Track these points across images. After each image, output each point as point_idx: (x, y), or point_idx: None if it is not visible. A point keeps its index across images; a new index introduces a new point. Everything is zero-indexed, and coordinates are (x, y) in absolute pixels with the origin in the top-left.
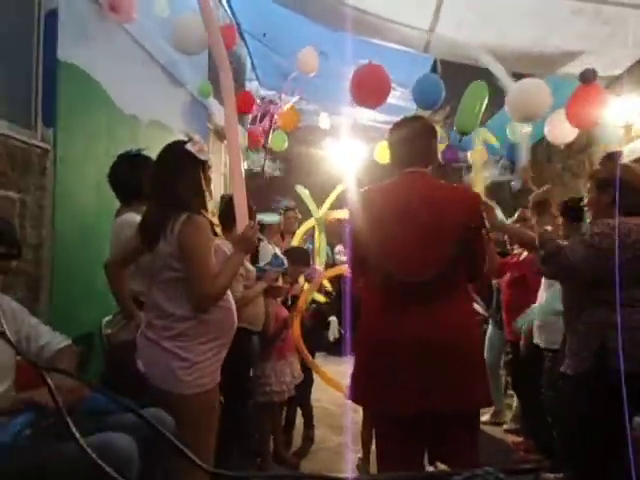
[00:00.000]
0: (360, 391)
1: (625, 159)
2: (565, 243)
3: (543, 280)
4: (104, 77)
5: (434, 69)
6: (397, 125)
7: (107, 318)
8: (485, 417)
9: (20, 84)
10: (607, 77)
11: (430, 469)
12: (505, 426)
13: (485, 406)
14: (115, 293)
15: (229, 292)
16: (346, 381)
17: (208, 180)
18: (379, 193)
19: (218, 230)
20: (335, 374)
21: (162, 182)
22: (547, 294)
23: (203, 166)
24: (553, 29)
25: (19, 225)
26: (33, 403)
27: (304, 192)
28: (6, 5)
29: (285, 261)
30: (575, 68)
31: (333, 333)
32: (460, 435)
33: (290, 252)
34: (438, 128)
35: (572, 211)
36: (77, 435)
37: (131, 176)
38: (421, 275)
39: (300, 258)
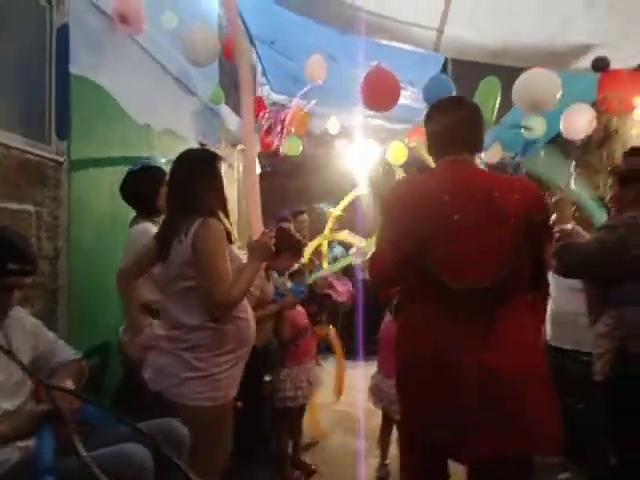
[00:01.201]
0: (405, 415)
1: None
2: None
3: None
4: (116, 88)
5: (445, 68)
6: (437, 107)
7: (123, 326)
8: None
9: (34, 99)
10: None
11: None
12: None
13: (555, 452)
14: (124, 303)
15: (247, 303)
16: (358, 384)
17: (223, 187)
18: (420, 185)
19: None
20: (349, 377)
21: (178, 188)
22: (555, 294)
23: (218, 172)
24: (567, 23)
25: (35, 237)
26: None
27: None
28: (18, 21)
29: (305, 289)
30: (589, 63)
31: None
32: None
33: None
34: None
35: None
36: (83, 454)
37: (144, 188)
38: (478, 282)
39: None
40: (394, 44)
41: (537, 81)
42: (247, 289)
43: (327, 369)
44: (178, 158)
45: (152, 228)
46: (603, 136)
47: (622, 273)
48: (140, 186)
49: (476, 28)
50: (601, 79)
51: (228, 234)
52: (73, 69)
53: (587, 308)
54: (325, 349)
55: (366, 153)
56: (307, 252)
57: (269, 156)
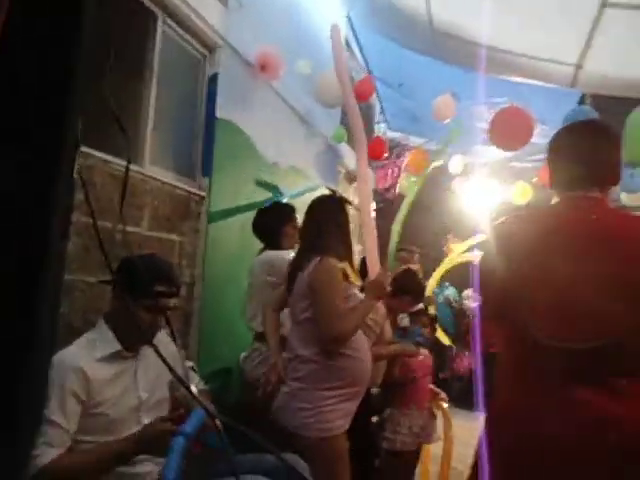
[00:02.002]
0: None
1: None
2: None
3: None
4: (252, 130)
5: (581, 103)
6: (564, 132)
7: (244, 354)
8: None
9: (184, 140)
10: None
11: None
12: None
13: None
14: (267, 335)
15: (363, 342)
16: (473, 439)
17: (349, 230)
18: (529, 224)
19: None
20: (463, 430)
21: (309, 229)
22: None
23: (347, 215)
24: None
25: (177, 265)
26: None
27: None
28: (176, 71)
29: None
30: None
31: None
32: None
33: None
34: None
35: None
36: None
37: (272, 223)
38: (583, 341)
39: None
40: (524, 80)
41: None
42: (358, 324)
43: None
44: (313, 202)
45: (274, 256)
46: None
47: None
48: (268, 221)
49: (620, 61)
50: None
51: (345, 274)
52: (219, 113)
53: None
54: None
55: (487, 193)
56: (434, 284)
57: (382, 193)
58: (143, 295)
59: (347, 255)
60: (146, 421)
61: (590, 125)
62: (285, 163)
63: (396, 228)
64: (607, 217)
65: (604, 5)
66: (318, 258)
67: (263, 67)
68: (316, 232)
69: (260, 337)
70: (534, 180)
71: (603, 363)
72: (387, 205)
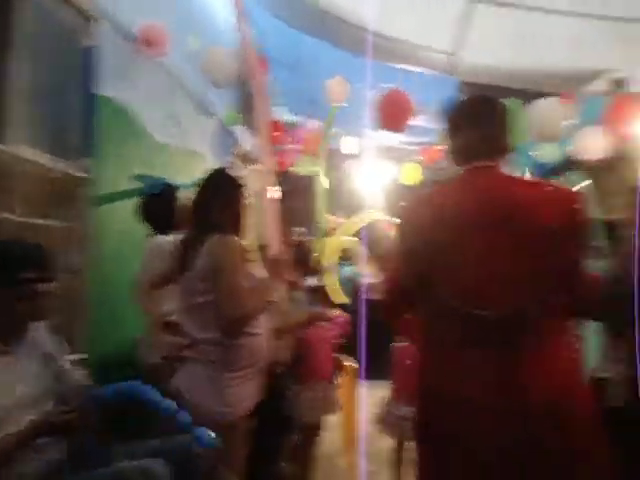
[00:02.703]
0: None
1: None
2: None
3: None
4: (139, 108)
5: (459, 90)
6: (458, 108)
7: (139, 336)
8: None
9: (60, 119)
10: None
11: None
12: None
13: None
14: (148, 312)
15: (261, 318)
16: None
17: (244, 207)
18: (438, 197)
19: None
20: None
21: (201, 206)
22: None
23: (241, 192)
24: (580, 48)
25: (62, 252)
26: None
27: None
28: (47, 44)
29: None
30: (603, 86)
31: None
32: None
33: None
34: None
35: None
36: None
37: (161, 210)
38: (503, 307)
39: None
40: (407, 67)
41: (547, 114)
42: (262, 305)
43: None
44: (204, 179)
45: (166, 241)
46: (616, 158)
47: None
48: (156, 208)
49: (491, 52)
50: (610, 104)
51: (244, 253)
52: (100, 90)
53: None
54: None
55: (379, 173)
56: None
57: (280, 175)
58: (9, 283)
59: (242, 234)
60: (28, 417)
61: (481, 100)
62: (177, 144)
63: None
64: (507, 183)
65: (472, 0)
66: (217, 236)
67: (147, 42)
68: (211, 209)
69: None
70: (420, 160)
71: (514, 330)
72: (289, 187)
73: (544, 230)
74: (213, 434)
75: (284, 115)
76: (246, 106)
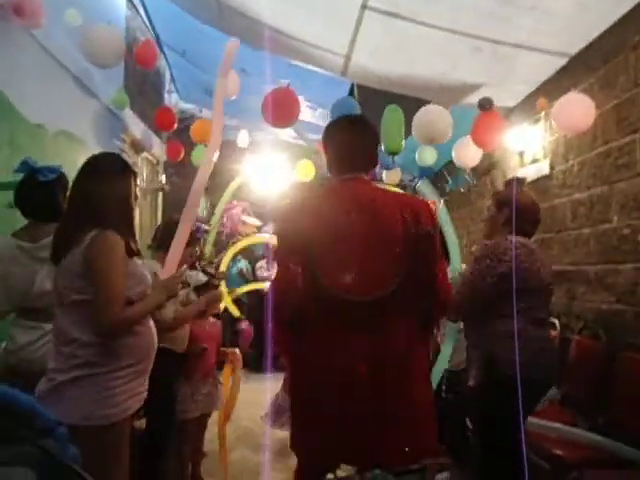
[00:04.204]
0: (300, 444)
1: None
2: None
3: None
4: (6, 84)
5: (352, 92)
6: (337, 125)
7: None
8: None
9: None
10: (504, 108)
11: None
12: None
13: (431, 456)
14: None
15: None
16: (263, 399)
17: (134, 196)
18: (316, 201)
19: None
20: (255, 393)
21: (80, 195)
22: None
23: (127, 181)
24: (457, 63)
25: None
26: None
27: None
28: None
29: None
30: (477, 99)
31: None
32: None
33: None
34: None
35: None
36: None
37: (39, 195)
38: (368, 294)
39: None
40: (304, 65)
41: (433, 118)
42: (141, 318)
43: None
44: (86, 163)
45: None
46: (487, 165)
47: (488, 293)
48: (33, 192)
49: (379, 59)
50: (478, 117)
51: (128, 247)
52: None
53: (464, 323)
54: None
55: (276, 168)
56: (227, 261)
57: (176, 165)
58: None
59: (128, 231)
60: None
61: (355, 120)
62: (53, 126)
63: (221, 208)
64: (371, 192)
65: (364, 7)
66: (95, 232)
67: (17, 10)
68: (89, 200)
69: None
70: (314, 157)
71: (378, 313)
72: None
73: (399, 234)
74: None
75: (178, 103)
76: (135, 89)
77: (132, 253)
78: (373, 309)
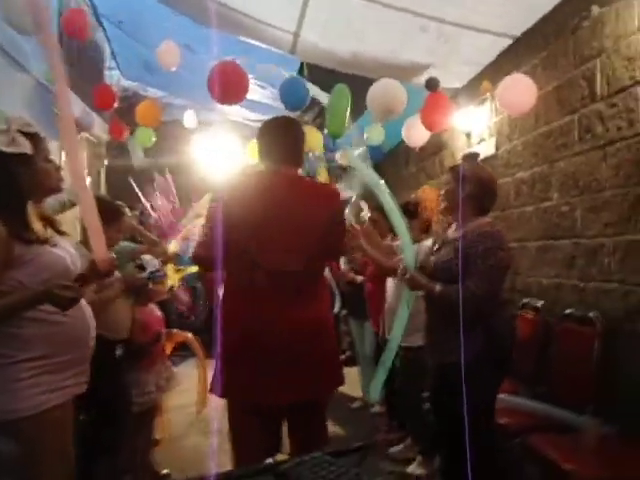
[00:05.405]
0: (226, 382)
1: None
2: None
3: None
4: None
5: (301, 71)
6: (270, 126)
7: None
8: (356, 404)
9: None
10: (451, 89)
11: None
12: (372, 410)
13: (341, 384)
14: None
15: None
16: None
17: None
18: (252, 185)
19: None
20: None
21: None
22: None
23: (18, 161)
24: (405, 42)
25: None
26: None
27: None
28: None
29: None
30: (425, 79)
31: None
32: (316, 418)
33: None
34: (311, 128)
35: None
36: None
37: None
38: (288, 266)
39: None
40: (252, 41)
41: (390, 90)
42: (12, 312)
43: (186, 371)
44: None
45: None
46: (436, 146)
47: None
48: None
49: (329, 37)
50: (427, 98)
51: (17, 233)
52: None
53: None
54: (184, 350)
55: (226, 149)
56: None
57: (119, 147)
58: None
59: (14, 216)
60: None
61: (286, 121)
62: None
63: None
64: (297, 183)
65: None
66: None
67: None
68: None
69: None
70: None
71: (300, 281)
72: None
73: (318, 214)
74: None
75: (120, 80)
76: (68, 63)
77: (26, 240)
78: (292, 278)
